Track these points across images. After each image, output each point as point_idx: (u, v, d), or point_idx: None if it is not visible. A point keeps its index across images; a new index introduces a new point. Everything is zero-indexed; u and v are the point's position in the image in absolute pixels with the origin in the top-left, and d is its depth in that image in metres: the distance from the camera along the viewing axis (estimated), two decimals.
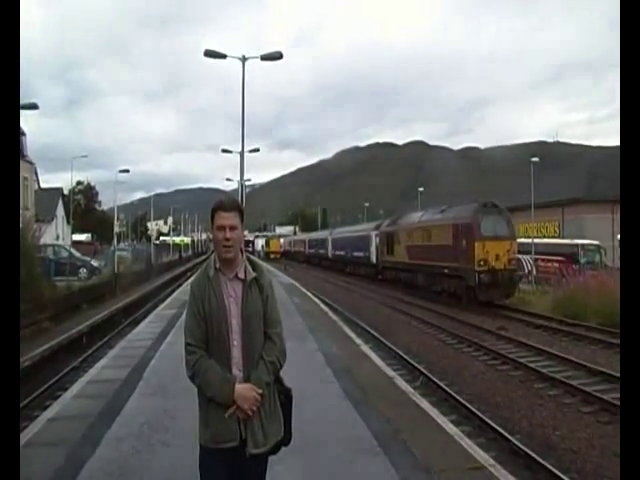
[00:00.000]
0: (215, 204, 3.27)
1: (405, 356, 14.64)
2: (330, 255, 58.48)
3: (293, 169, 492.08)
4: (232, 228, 3.19)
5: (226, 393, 3.07)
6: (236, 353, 3.14)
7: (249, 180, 40.13)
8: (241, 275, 3.22)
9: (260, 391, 3.11)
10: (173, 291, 32.35)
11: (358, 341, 13.87)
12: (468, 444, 6.50)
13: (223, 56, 22.13)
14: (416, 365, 13.57)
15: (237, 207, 3.28)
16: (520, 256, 28.50)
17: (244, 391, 3.08)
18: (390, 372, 10.48)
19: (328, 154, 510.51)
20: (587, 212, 39.38)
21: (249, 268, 3.25)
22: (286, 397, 3.31)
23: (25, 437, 6.60)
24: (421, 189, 67.87)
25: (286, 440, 3.32)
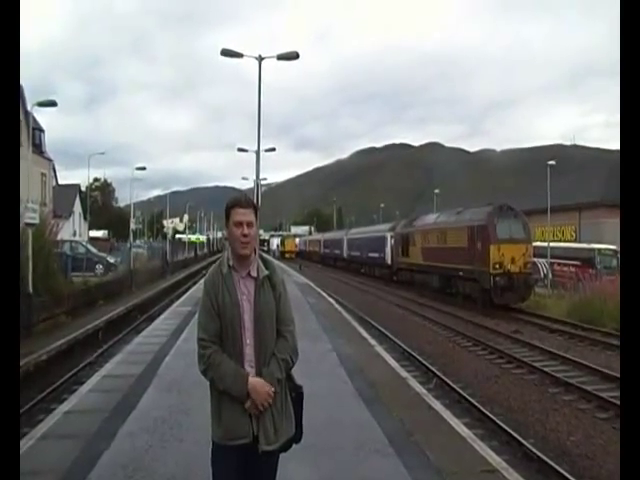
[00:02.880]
0: (231, 201, 3.29)
1: (419, 357, 14.60)
2: (345, 255, 58.43)
3: (309, 169, 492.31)
4: (249, 224, 3.22)
5: (239, 386, 3.08)
6: (249, 350, 3.15)
7: (265, 179, 40.19)
8: (254, 273, 3.24)
9: (272, 388, 3.12)
10: (188, 288, 32.49)
11: (372, 342, 13.87)
12: (481, 447, 6.48)
13: (240, 55, 22.20)
14: (430, 367, 13.53)
15: (253, 204, 3.33)
16: (536, 260, 28.30)
17: (258, 385, 3.09)
18: (403, 373, 10.48)
19: (344, 154, 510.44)
20: (605, 216, 38.88)
21: (262, 266, 3.27)
22: (297, 394, 3.32)
23: (42, 429, 6.70)
24: (437, 191, 67.66)
25: (297, 438, 3.33)
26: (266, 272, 3.25)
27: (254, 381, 3.10)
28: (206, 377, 3.18)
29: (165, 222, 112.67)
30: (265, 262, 3.32)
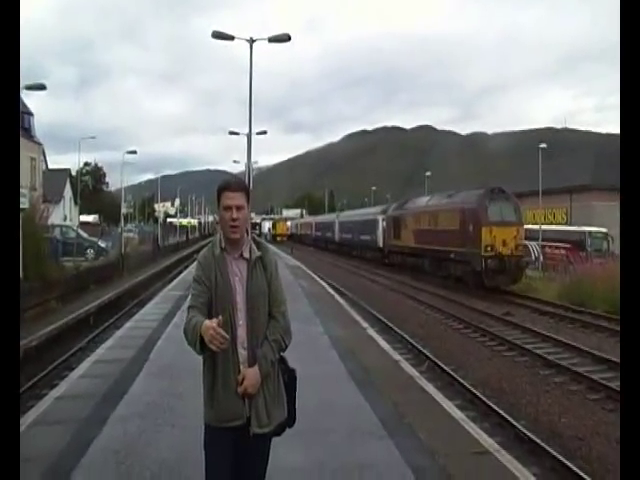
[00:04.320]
0: (221, 184, 3.26)
1: (411, 340, 14.63)
2: (337, 238, 58.45)
3: (301, 152, 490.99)
4: (239, 208, 3.18)
5: (194, 336, 2.99)
6: (241, 332, 3.14)
7: (256, 162, 40.03)
8: (246, 255, 3.22)
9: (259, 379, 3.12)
10: (180, 273, 32.41)
11: (364, 324, 13.88)
12: (473, 429, 6.50)
13: (231, 38, 21.99)
14: (422, 349, 13.57)
15: (244, 187, 3.29)
16: (527, 242, 28.39)
17: (250, 373, 3.09)
18: (396, 356, 10.49)
19: (336, 137, 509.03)
20: (595, 199, 39.10)
21: (254, 248, 3.26)
22: (290, 378, 3.32)
23: (32, 415, 6.66)
24: (428, 173, 67.65)
25: (290, 422, 3.33)
26: (258, 253, 3.24)
27: (247, 370, 3.10)
28: (187, 343, 3.10)
29: (156, 206, 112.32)
30: (258, 244, 3.31)
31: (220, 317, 2.97)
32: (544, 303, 21.28)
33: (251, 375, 3.10)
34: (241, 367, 3.12)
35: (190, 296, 3.25)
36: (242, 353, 3.13)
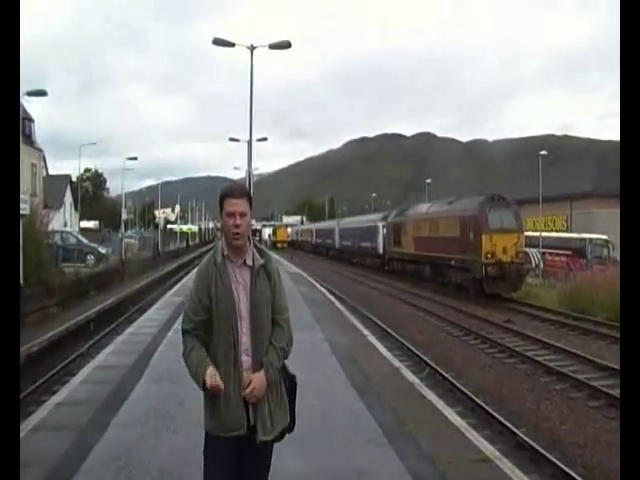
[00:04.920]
0: (224, 190, 3.25)
1: (411, 347, 14.62)
2: (337, 245, 58.49)
3: (302, 159, 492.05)
4: (242, 215, 3.17)
5: (198, 377, 3.08)
6: (245, 340, 3.14)
7: (257, 169, 40.18)
8: (249, 262, 3.21)
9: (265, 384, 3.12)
10: (180, 279, 32.40)
11: (364, 331, 13.86)
12: (474, 436, 6.49)
13: (231, 44, 22.06)
14: (422, 356, 13.56)
15: (246, 193, 3.27)
16: (527, 249, 28.39)
17: (257, 379, 3.09)
18: (396, 363, 10.47)
19: (337, 144, 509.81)
20: (596, 206, 39.11)
21: (257, 255, 3.24)
22: (291, 384, 3.32)
23: (33, 421, 6.65)
24: (428, 180, 67.78)
25: (291, 427, 3.32)
26: (261, 261, 3.23)
27: (254, 375, 3.11)
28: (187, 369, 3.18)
29: (157, 212, 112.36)
30: (260, 251, 3.30)
31: (222, 369, 3.08)
32: (545, 310, 21.26)
33: (257, 380, 3.10)
34: (244, 374, 3.12)
35: (183, 315, 3.25)
36: (246, 360, 3.14)
